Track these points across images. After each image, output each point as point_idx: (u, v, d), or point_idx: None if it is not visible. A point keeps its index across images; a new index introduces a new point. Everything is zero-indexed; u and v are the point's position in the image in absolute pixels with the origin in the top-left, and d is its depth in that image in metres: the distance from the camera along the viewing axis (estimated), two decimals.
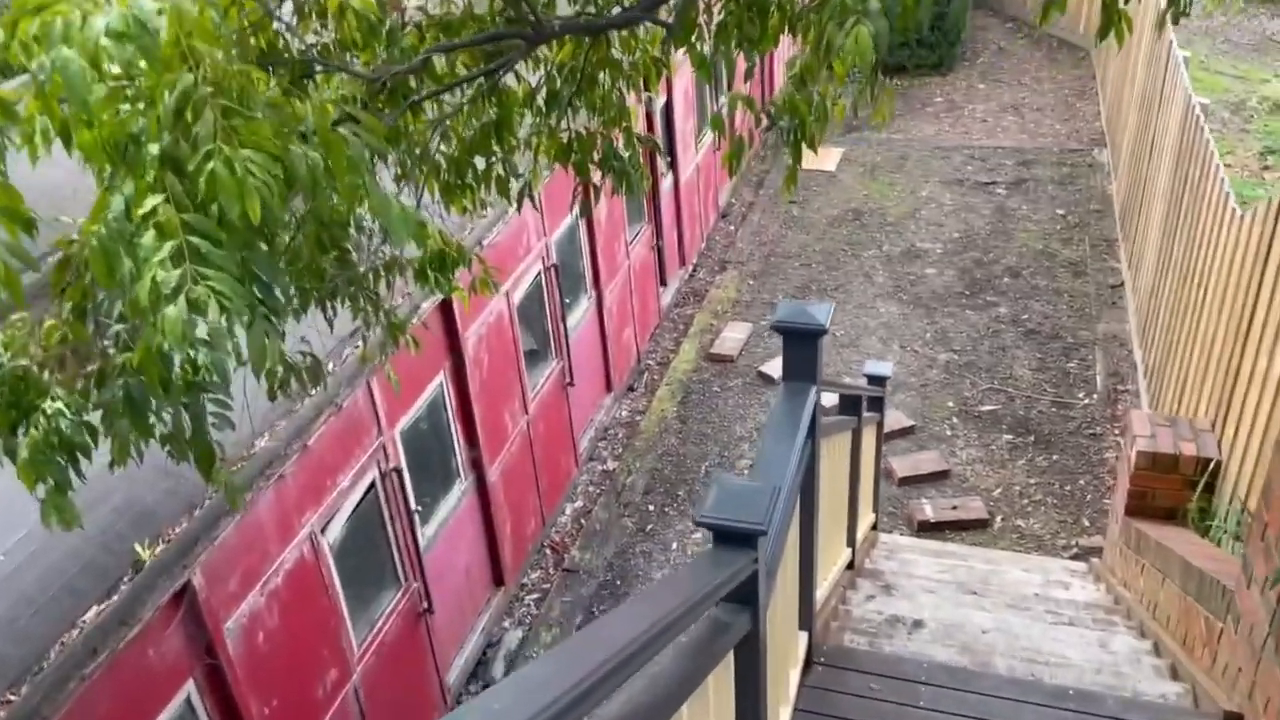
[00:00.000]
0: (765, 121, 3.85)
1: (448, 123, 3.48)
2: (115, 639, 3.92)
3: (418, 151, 3.80)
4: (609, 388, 9.37)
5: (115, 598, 3.98)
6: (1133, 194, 10.95)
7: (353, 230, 4.11)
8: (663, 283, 10.90)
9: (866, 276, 11.48)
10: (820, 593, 4.35)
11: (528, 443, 7.57)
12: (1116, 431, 8.92)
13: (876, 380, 6.53)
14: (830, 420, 4.35)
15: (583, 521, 8.50)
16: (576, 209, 4.07)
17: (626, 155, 4.12)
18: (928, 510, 8.11)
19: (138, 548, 4.11)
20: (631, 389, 10.01)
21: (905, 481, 8.51)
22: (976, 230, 12.21)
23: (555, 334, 7.97)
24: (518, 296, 7.26)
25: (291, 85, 2.83)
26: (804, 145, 3.90)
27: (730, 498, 2.57)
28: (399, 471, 5.74)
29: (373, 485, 5.63)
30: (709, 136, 11.81)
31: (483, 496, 6.95)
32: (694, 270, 11.85)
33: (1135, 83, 11.44)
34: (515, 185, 3.98)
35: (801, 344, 3.38)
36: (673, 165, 10.69)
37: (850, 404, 5.25)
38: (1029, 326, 10.41)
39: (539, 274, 7.57)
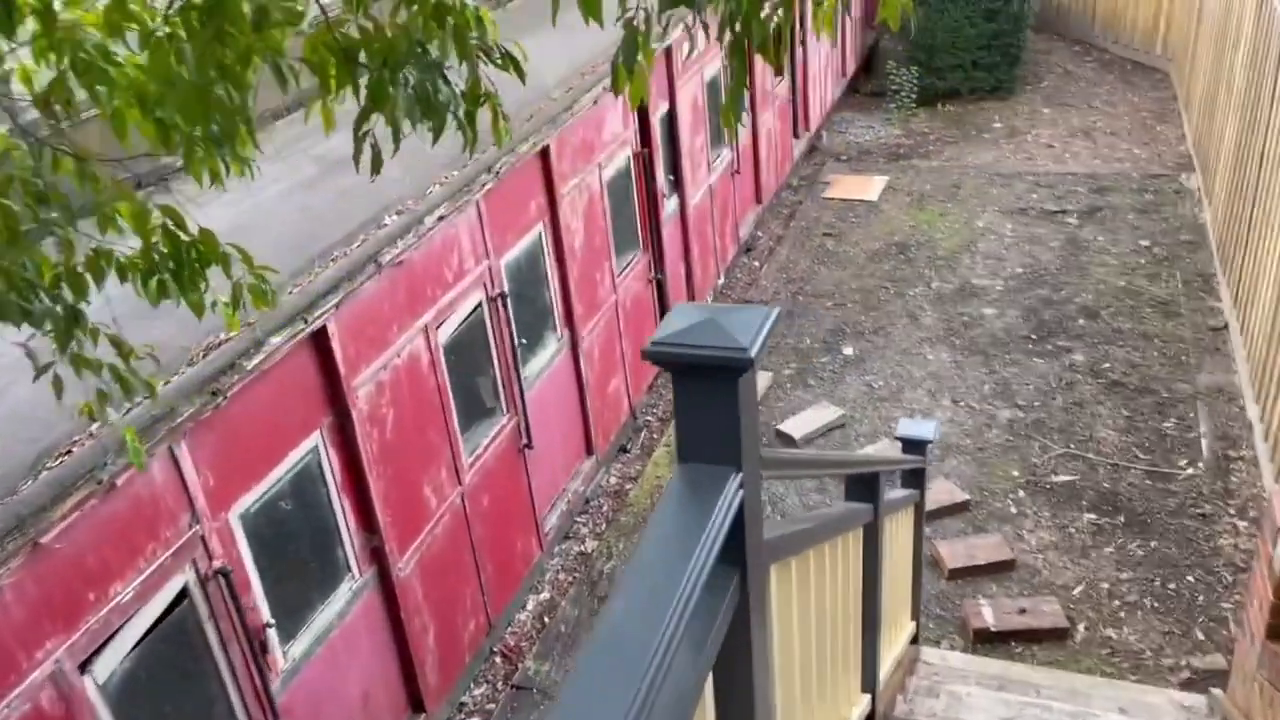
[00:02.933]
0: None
1: None
2: None
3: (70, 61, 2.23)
4: (589, 450, 7.64)
5: None
6: (1235, 219, 9.05)
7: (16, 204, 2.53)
8: None
9: (911, 318, 9.67)
10: None
11: (463, 522, 5.86)
12: (1231, 510, 6.98)
13: (913, 445, 4.79)
14: (808, 520, 2.60)
15: (546, 619, 6.75)
16: (366, 166, 2.41)
17: (463, 83, 2.50)
18: (987, 615, 6.23)
19: None
20: (624, 450, 8.28)
21: (958, 574, 6.63)
22: (1044, 264, 10.35)
23: (506, 382, 6.29)
24: (445, 333, 5.61)
25: None
26: (751, 45, 2.25)
27: None
28: (225, 575, 4.07)
29: (184, 595, 3.97)
30: (725, 156, 10.16)
31: (389, 597, 5.25)
32: None
33: (1234, 88, 9.59)
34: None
35: (705, 388, 1.66)
36: (678, 186, 9.02)
37: (862, 487, 3.49)
38: (1112, 378, 8.51)
39: (479, 305, 5.93)
